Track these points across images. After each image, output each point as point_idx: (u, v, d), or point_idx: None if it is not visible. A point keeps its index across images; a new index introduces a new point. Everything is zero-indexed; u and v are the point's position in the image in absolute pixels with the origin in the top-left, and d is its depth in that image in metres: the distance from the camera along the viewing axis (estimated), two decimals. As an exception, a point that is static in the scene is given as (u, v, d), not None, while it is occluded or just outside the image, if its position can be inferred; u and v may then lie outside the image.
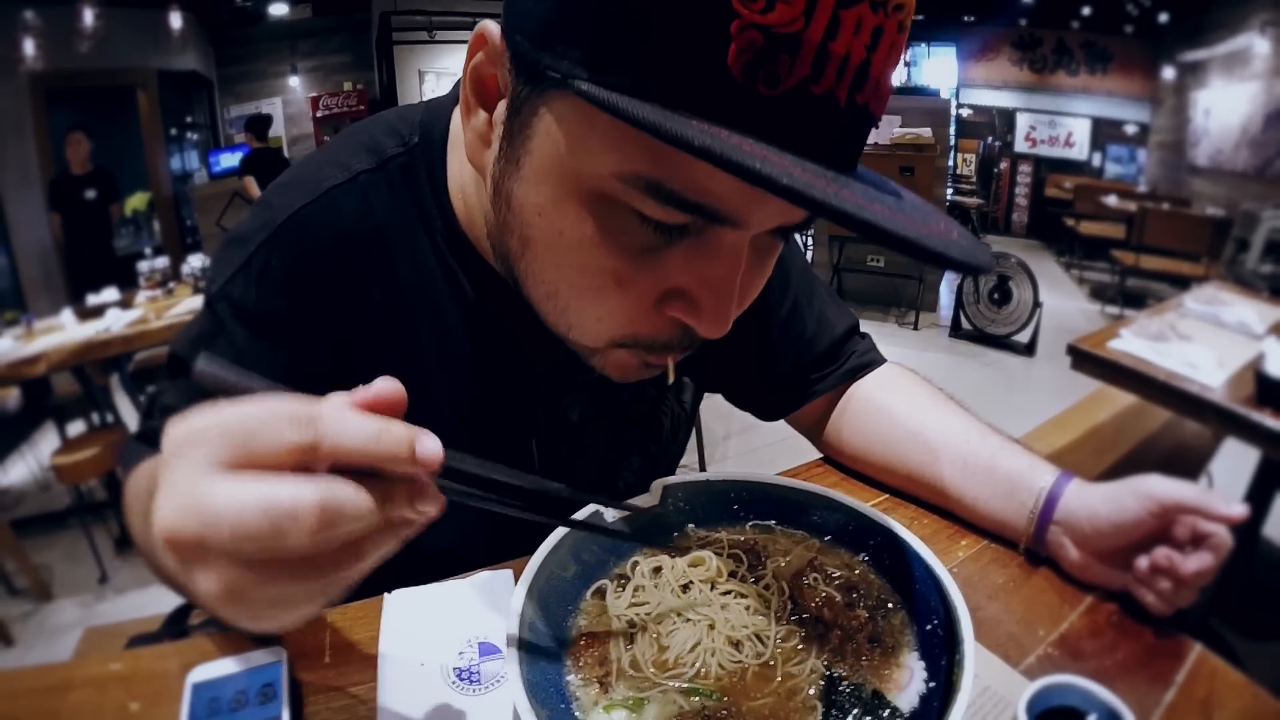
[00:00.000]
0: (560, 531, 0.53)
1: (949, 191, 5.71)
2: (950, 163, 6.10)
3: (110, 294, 3.25)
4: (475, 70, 0.45)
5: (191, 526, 0.28)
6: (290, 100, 7.66)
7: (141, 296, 3.27)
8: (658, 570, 0.55)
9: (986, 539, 0.66)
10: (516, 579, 0.50)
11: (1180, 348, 1.65)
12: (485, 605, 0.57)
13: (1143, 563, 0.55)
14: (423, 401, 0.62)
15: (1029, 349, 4.48)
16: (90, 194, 4.65)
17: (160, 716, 0.49)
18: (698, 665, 0.47)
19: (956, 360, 4.50)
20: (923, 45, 8.65)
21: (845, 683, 0.46)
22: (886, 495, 0.74)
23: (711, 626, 0.49)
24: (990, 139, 8.29)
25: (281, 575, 0.29)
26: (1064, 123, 8.50)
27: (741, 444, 3.25)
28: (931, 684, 0.45)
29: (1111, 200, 6.38)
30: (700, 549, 0.56)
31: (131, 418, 3.04)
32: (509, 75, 0.42)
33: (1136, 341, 1.69)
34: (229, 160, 6.55)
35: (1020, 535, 0.63)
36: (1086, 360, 1.71)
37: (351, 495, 0.29)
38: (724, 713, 0.44)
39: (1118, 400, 2.10)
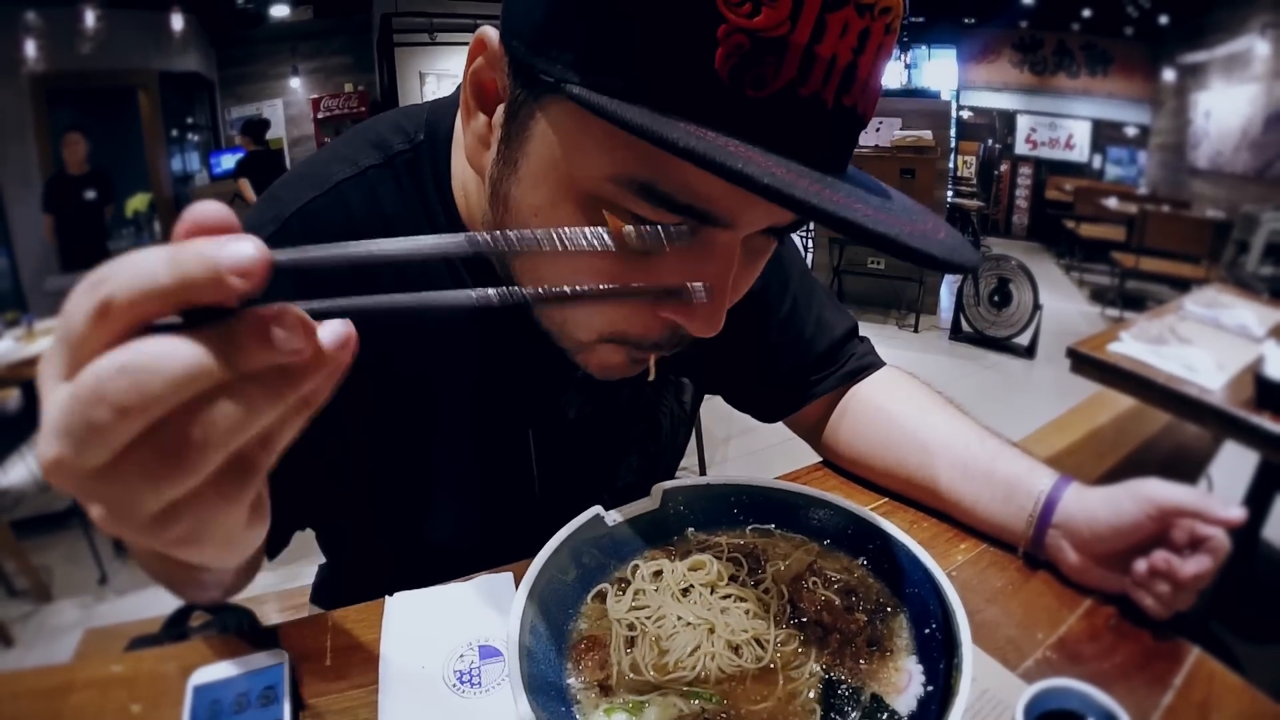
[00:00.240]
0: (561, 535, 0.53)
1: (949, 193, 5.71)
2: (951, 165, 6.09)
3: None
4: (475, 75, 0.45)
5: (45, 452, 0.24)
6: (291, 101, 7.67)
7: (142, 298, 3.27)
8: (658, 574, 0.55)
9: (985, 542, 0.67)
10: (517, 582, 0.50)
11: (1179, 350, 1.65)
12: (486, 608, 0.57)
13: (1141, 566, 0.55)
14: (423, 395, 0.63)
15: (1029, 351, 4.48)
16: (90, 194, 4.63)
17: (161, 719, 0.49)
18: (698, 669, 0.47)
19: (956, 363, 4.50)
20: (923, 47, 8.65)
21: (844, 686, 0.46)
22: (885, 499, 0.74)
23: (711, 630, 0.50)
24: (991, 141, 8.29)
25: (152, 473, 0.24)
26: (1064, 125, 8.50)
27: (741, 446, 3.25)
28: (930, 687, 0.45)
29: (1112, 202, 6.38)
30: (700, 552, 0.57)
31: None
32: (507, 80, 0.43)
33: (1136, 344, 1.69)
34: (230, 161, 6.54)
35: (1019, 539, 0.63)
36: (1086, 363, 1.71)
37: (156, 348, 0.23)
38: (723, 716, 0.44)
39: (1118, 403, 2.10)
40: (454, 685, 0.50)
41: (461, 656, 0.53)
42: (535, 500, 0.68)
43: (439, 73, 7.60)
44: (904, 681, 0.46)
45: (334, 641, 0.56)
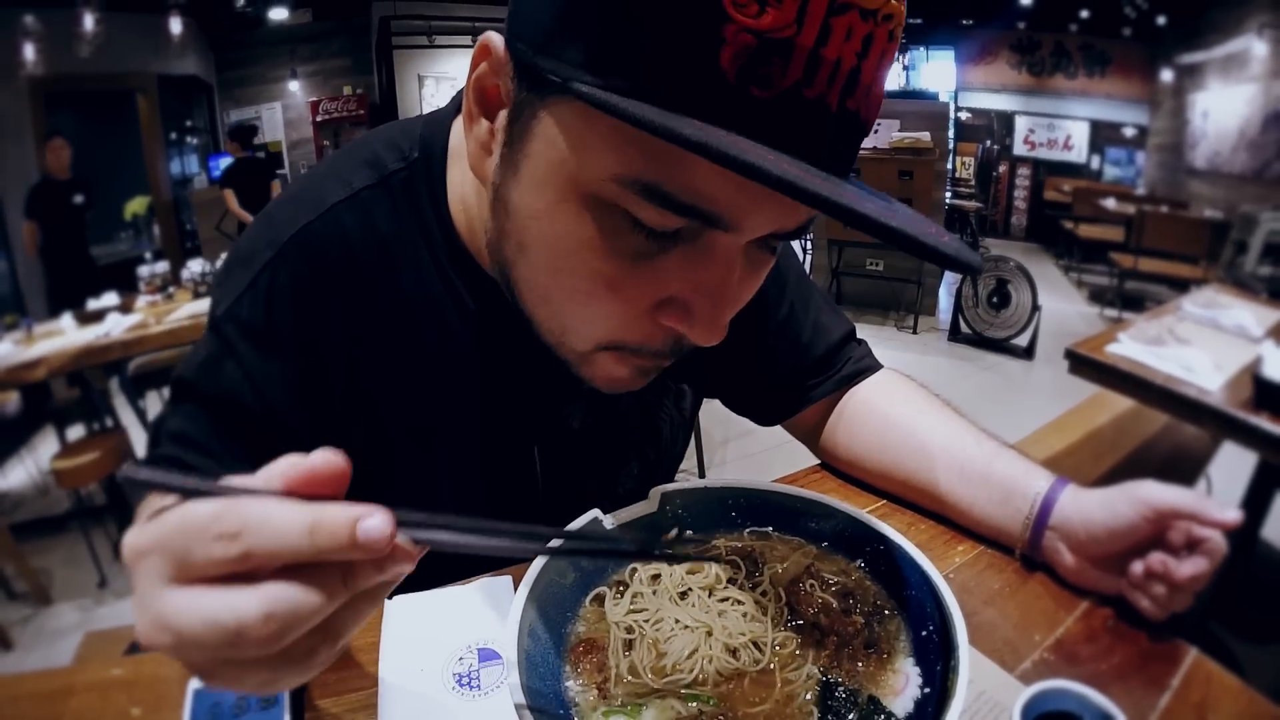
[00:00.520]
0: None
1: (948, 195, 5.71)
2: (949, 166, 6.09)
3: (110, 299, 3.25)
4: (479, 81, 0.45)
5: (162, 639, 0.29)
6: (290, 104, 7.67)
7: (141, 301, 3.27)
8: (656, 577, 0.55)
9: (982, 545, 0.67)
10: (516, 585, 0.50)
11: (1178, 351, 1.65)
12: (485, 611, 0.57)
13: (1138, 568, 0.55)
14: (427, 413, 0.63)
15: (1028, 352, 4.49)
16: (78, 199, 4.58)
17: (162, 723, 0.49)
18: (695, 671, 0.47)
19: (955, 364, 4.50)
20: (921, 49, 8.67)
21: (841, 688, 0.46)
22: (883, 501, 0.74)
23: (709, 633, 0.50)
24: (989, 142, 8.30)
25: (260, 667, 0.30)
26: (1062, 125, 8.51)
27: (739, 449, 3.25)
28: (927, 689, 0.45)
29: (1110, 203, 6.39)
30: (698, 556, 0.57)
31: (131, 421, 3.04)
32: (511, 84, 0.43)
33: (1134, 345, 1.69)
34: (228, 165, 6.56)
35: (1016, 541, 0.63)
36: (1084, 364, 1.71)
37: (297, 596, 0.28)
38: (721, 718, 0.45)
39: (1116, 403, 2.10)
40: (453, 688, 0.51)
41: (460, 659, 0.53)
42: (537, 509, 0.69)
43: (437, 75, 7.61)
44: (901, 683, 0.46)
45: (333, 645, 0.56)
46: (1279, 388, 1.38)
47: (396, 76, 7.56)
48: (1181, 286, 4.44)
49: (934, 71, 8.80)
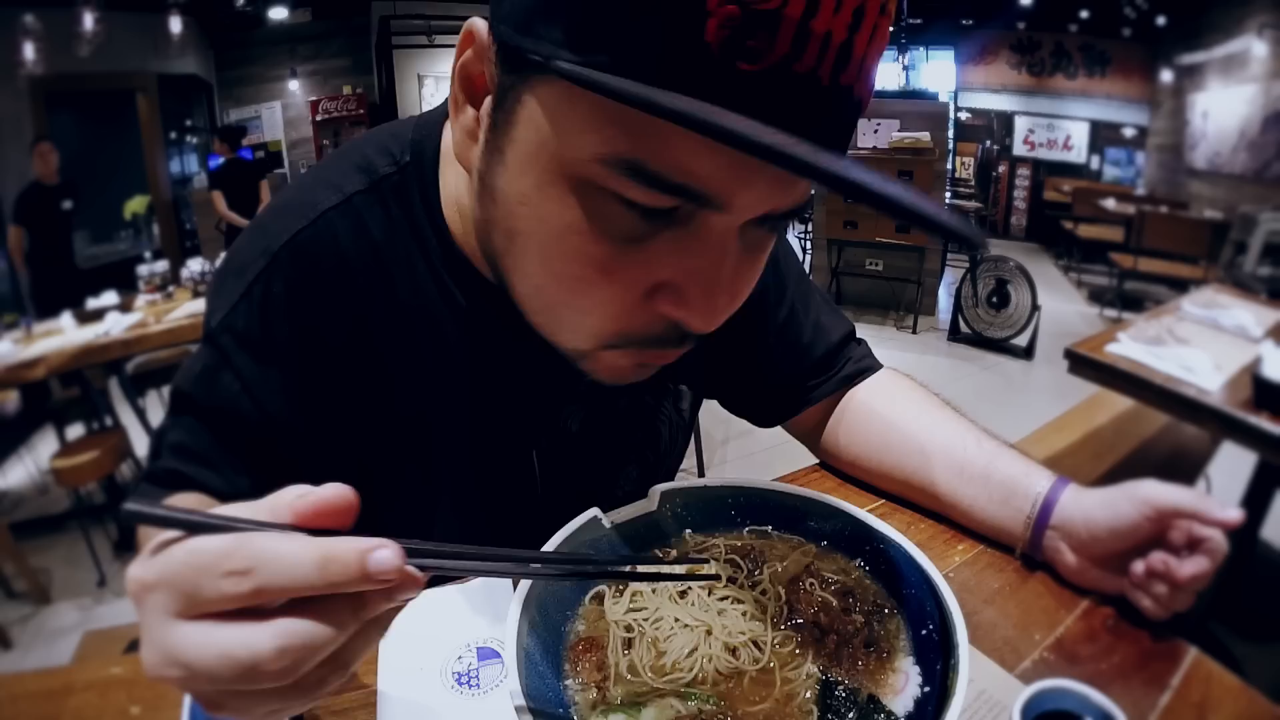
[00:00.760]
0: (558, 537, 0.53)
1: (948, 195, 5.73)
2: (949, 166, 6.10)
3: (109, 298, 3.25)
4: (464, 68, 0.44)
5: (171, 673, 0.29)
6: (290, 104, 7.68)
7: (141, 300, 3.27)
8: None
9: (982, 544, 0.67)
10: (515, 584, 0.50)
11: (1178, 351, 1.65)
12: (484, 610, 0.57)
13: (1138, 567, 0.55)
14: (425, 418, 0.63)
15: (1027, 352, 4.49)
16: (67, 204, 4.53)
17: (160, 721, 0.49)
18: (695, 670, 0.47)
19: (955, 364, 4.50)
20: (921, 49, 8.66)
21: (841, 687, 0.46)
22: (883, 500, 0.74)
23: (709, 632, 0.50)
24: (989, 142, 8.31)
25: (269, 697, 0.30)
26: (1062, 126, 8.51)
27: (739, 448, 3.25)
28: (926, 689, 0.45)
29: (1110, 203, 6.39)
30: (697, 554, 0.57)
31: (130, 420, 3.04)
32: (495, 69, 0.42)
33: (1134, 345, 1.69)
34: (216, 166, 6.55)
35: (1016, 540, 0.63)
36: (1084, 364, 1.71)
37: (310, 630, 0.29)
38: (721, 717, 0.44)
39: (1116, 403, 2.10)
40: (452, 686, 0.51)
41: (460, 658, 0.53)
42: (536, 513, 0.68)
43: (437, 75, 7.62)
44: (901, 683, 0.46)
45: (332, 644, 0.56)
46: (1278, 388, 1.38)
47: (396, 76, 7.57)
48: (1181, 287, 4.45)
49: (934, 71, 8.80)
